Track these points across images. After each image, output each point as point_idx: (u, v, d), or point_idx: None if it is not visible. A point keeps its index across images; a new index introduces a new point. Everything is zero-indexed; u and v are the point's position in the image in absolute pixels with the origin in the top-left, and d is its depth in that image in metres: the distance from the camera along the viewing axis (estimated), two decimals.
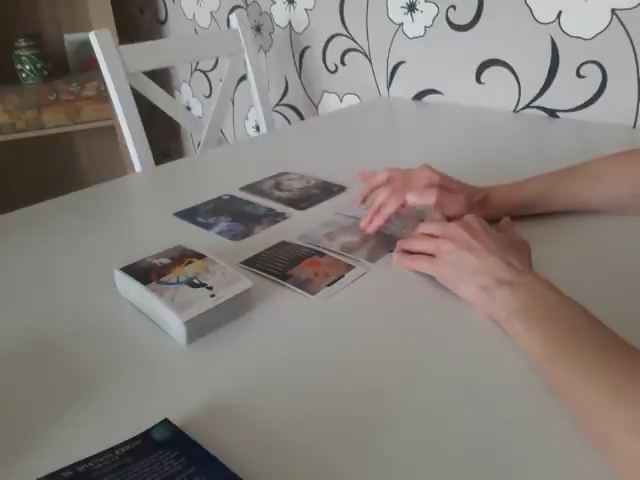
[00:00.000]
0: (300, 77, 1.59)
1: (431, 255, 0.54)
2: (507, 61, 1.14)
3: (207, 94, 1.91)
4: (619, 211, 0.64)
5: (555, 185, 0.64)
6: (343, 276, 0.57)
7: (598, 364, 0.37)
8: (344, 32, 1.41)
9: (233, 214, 0.73)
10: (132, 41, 1.18)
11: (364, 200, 0.67)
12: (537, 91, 1.11)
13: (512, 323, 0.44)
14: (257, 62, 1.37)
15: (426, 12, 1.23)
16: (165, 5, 1.92)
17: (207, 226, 0.70)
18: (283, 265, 0.59)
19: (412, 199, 0.60)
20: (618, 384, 0.34)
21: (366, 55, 1.39)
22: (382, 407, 0.40)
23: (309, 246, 0.63)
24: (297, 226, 0.68)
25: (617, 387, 0.34)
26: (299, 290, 0.55)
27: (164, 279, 0.52)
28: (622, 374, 0.35)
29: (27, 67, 1.84)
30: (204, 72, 1.88)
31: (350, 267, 0.58)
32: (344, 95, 1.49)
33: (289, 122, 1.68)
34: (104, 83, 1.13)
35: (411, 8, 1.25)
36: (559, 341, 0.40)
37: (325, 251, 0.61)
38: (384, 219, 0.61)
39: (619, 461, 0.32)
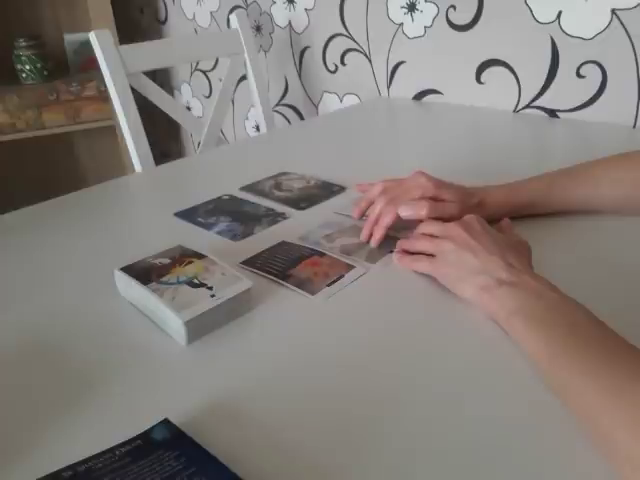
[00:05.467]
0: (300, 77, 1.59)
1: (431, 255, 0.55)
2: (507, 61, 1.14)
3: (207, 94, 1.91)
4: (616, 212, 0.64)
5: (553, 186, 0.64)
6: (343, 276, 0.57)
7: (600, 364, 0.37)
8: (344, 32, 1.41)
9: (233, 214, 0.73)
10: (132, 41, 1.18)
11: (362, 214, 0.68)
12: (537, 91, 1.11)
13: (512, 323, 0.44)
14: (257, 62, 1.37)
15: (426, 12, 1.23)
16: (165, 5, 1.92)
17: (207, 226, 0.70)
18: (283, 265, 0.59)
19: (404, 213, 0.60)
20: (620, 383, 0.35)
21: (366, 55, 1.39)
22: (382, 407, 0.40)
23: (309, 246, 0.63)
24: (297, 226, 0.68)
25: (619, 386, 0.34)
26: (299, 290, 0.55)
27: (164, 279, 0.52)
28: (624, 374, 0.35)
29: (27, 67, 1.84)
30: (204, 72, 1.88)
31: (350, 267, 0.58)
32: (344, 95, 1.49)
33: (289, 122, 1.68)
34: (104, 83, 1.13)
35: (411, 8, 1.25)
36: (560, 341, 0.40)
37: (325, 252, 0.61)
38: (384, 229, 0.61)
39: (620, 460, 0.32)
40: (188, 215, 0.74)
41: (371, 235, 0.63)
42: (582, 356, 0.38)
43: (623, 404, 0.33)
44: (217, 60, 1.81)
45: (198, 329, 0.48)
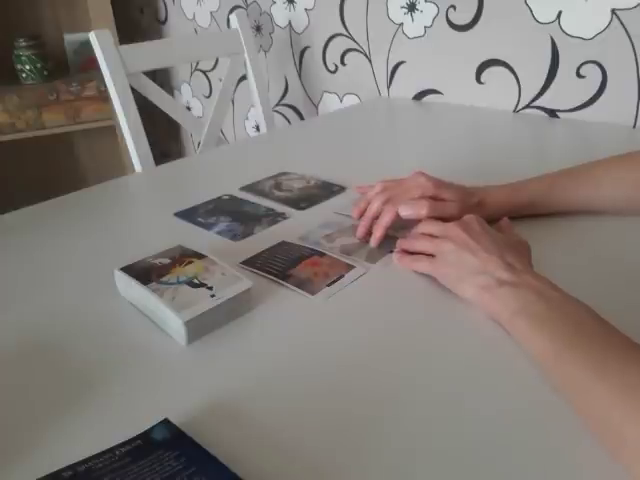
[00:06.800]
0: (300, 77, 1.59)
1: (431, 255, 0.55)
2: (507, 61, 1.14)
3: (207, 94, 1.91)
4: (617, 213, 0.64)
5: (554, 187, 0.64)
6: (343, 276, 0.57)
7: (607, 360, 0.37)
8: (344, 32, 1.41)
9: (233, 214, 0.73)
10: (132, 41, 1.18)
11: (362, 214, 0.67)
12: (537, 91, 1.11)
13: (515, 323, 0.44)
14: (257, 62, 1.37)
15: (426, 12, 1.23)
16: (165, 5, 1.92)
17: (207, 226, 0.70)
18: (283, 265, 0.59)
19: (404, 212, 0.60)
20: (629, 380, 0.35)
21: (366, 55, 1.39)
22: (382, 407, 0.40)
23: (309, 246, 0.63)
24: (297, 226, 0.68)
25: (628, 383, 0.34)
26: (299, 290, 0.55)
27: (164, 279, 0.52)
28: (632, 370, 0.35)
29: (27, 67, 1.84)
30: (204, 72, 1.88)
31: (350, 267, 0.58)
32: (344, 95, 1.49)
33: (289, 122, 1.68)
34: (104, 83, 1.13)
35: (411, 8, 1.25)
36: (566, 339, 0.40)
37: (325, 252, 0.61)
38: (384, 229, 0.61)
39: (629, 455, 0.32)
40: (188, 215, 0.74)
41: (369, 234, 0.63)
42: (588, 353, 0.38)
43: (632, 400, 0.33)
44: (217, 60, 1.81)
45: (198, 329, 0.48)
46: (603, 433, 0.35)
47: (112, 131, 1.79)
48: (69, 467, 0.35)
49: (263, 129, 1.40)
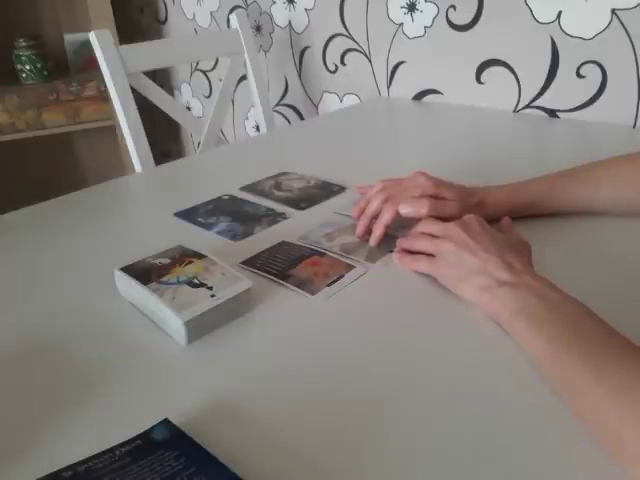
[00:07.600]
0: (300, 77, 1.59)
1: (431, 255, 0.55)
2: (507, 61, 1.14)
3: (207, 94, 1.91)
4: (618, 214, 0.64)
5: (554, 187, 0.64)
6: (343, 276, 0.57)
7: (604, 362, 0.37)
8: (344, 32, 1.41)
9: (233, 214, 0.73)
10: (132, 41, 1.18)
11: (362, 214, 0.67)
12: (537, 91, 1.11)
13: (514, 323, 0.44)
14: (257, 62, 1.37)
15: (426, 12, 1.23)
16: (165, 5, 1.92)
17: (207, 226, 0.70)
18: (283, 265, 0.59)
19: (404, 210, 0.60)
20: (626, 381, 0.35)
21: (366, 55, 1.39)
22: (382, 407, 0.40)
23: (309, 246, 0.63)
24: (297, 226, 0.68)
25: (625, 384, 0.34)
26: (299, 290, 0.55)
27: (164, 279, 0.52)
28: (630, 371, 0.35)
29: (27, 67, 1.84)
30: (204, 72, 1.88)
31: (350, 267, 0.58)
32: (344, 95, 1.49)
33: (289, 122, 1.68)
34: (104, 83, 1.13)
35: (411, 8, 1.25)
36: (564, 340, 0.40)
37: (325, 251, 0.61)
38: (384, 227, 0.61)
39: (627, 458, 0.32)
40: (188, 215, 0.74)
41: (369, 233, 0.63)
42: (586, 355, 0.38)
43: (629, 402, 0.33)
44: (217, 60, 1.81)
45: (198, 329, 0.48)
46: (601, 436, 0.35)
47: (112, 131, 1.79)
48: (69, 467, 0.35)
49: (263, 129, 1.40)
